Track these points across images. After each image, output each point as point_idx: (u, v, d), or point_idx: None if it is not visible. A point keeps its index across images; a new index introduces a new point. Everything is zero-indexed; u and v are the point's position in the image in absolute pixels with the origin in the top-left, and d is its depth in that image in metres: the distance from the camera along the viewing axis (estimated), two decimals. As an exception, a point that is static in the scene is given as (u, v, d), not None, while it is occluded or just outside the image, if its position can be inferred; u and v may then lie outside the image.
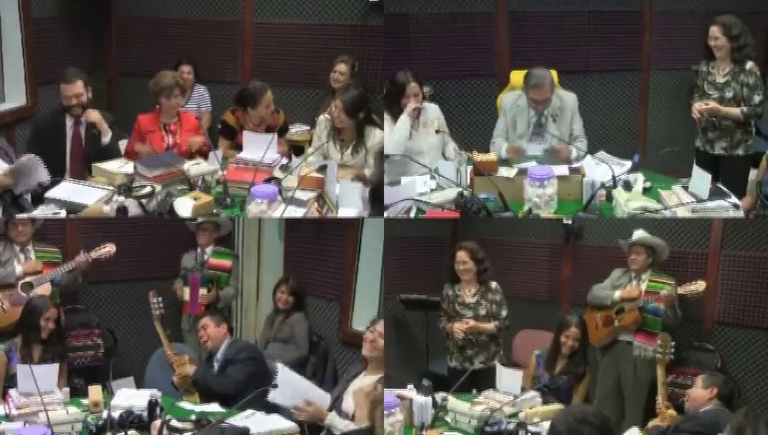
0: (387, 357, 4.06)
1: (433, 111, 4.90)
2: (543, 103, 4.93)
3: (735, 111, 4.76)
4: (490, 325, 4.75)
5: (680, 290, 4.58)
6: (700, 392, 3.92)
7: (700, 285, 4.54)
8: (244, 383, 4.36)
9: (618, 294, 4.80)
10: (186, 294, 5.58)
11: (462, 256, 4.78)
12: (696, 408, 3.91)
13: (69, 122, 4.89)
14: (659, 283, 4.76)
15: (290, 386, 3.94)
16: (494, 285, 4.82)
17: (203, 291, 5.53)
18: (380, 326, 3.99)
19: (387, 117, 4.85)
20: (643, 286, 4.80)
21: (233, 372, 4.51)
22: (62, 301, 5.10)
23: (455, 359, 4.85)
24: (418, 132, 4.82)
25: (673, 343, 4.38)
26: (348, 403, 3.94)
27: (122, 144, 5.47)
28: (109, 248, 5.06)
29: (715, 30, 4.73)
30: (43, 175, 4.27)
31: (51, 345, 4.56)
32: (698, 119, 4.86)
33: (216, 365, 4.64)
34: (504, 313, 4.80)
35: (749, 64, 4.73)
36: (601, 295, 4.89)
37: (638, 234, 4.82)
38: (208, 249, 5.69)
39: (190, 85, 6.16)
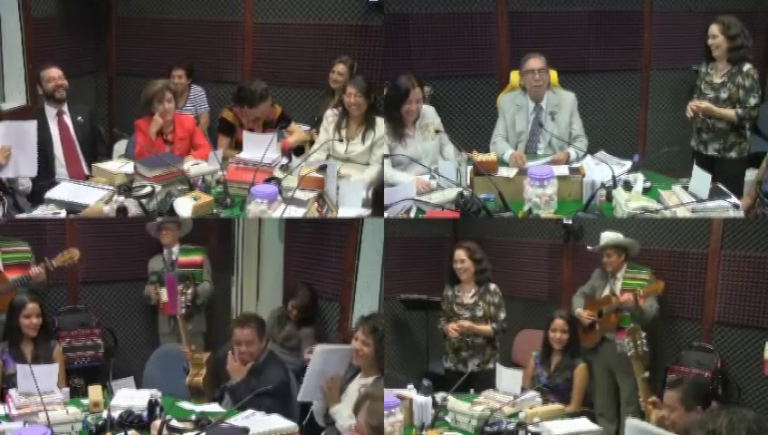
0: (387, 357, 4.06)
1: (429, 115, 4.86)
2: (541, 86, 4.96)
3: (730, 112, 4.74)
4: (486, 327, 4.73)
5: (642, 293, 4.75)
6: (686, 416, 3.41)
7: (659, 286, 4.78)
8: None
9: (577, 311, 5.00)
10: (163, 295, 5.52)
11: (460, 254, 4.77)
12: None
13: (51, 113, 4.91)
14: (634, 280, 4.89)
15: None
16: (492, 287, 4.80)
17: (179, 287, 5.34)
18: (360, 333, 3.98)
19: (386, 120, 4.83)
20: (618, 284, 4.92)
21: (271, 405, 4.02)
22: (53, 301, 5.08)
23: (449, 360, 4.85)
24: (414, 138, 4.80)
25: (644, 335, 4.17)
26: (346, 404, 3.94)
27: (122, 144, 5.50)
28: (72, 254, 5.01)
29: (713, 28, 4.73)
30: (32, 167, 4.28)
31: (40, 343, 4.55)
32: (692, 119, 4.87)
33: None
34: (503, 315, 4.78)
35: (746, 66, 4.72)
36: (573, 305, 5.08)
37: (606, 236, 4.94)
38: (175, 248, 5.64)
39: (183, 89, 6.14)
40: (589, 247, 5.10)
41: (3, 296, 4.83)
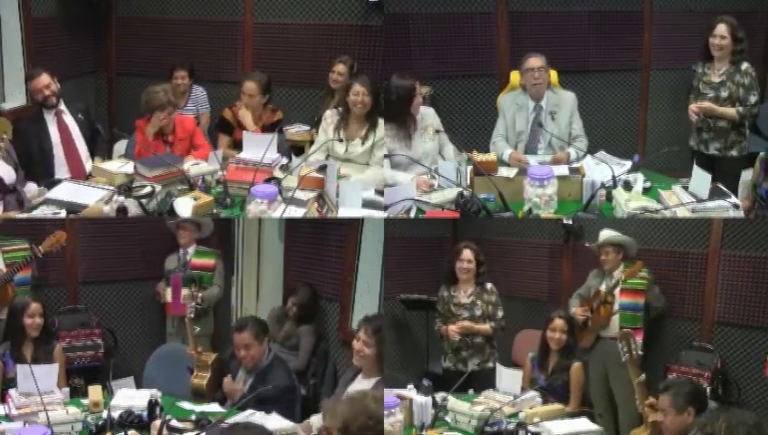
0: (387, 357, 4.05)
1: (429, 116, 4.84)
2: (541, 84, 4.95)
3: (731, 111, 4.76)
4: (486, 326, 4.75)
5: (623, 277, 4.78)
6: (677, 419, 3.39)
7: (637, 266, 4.77)
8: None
9: (572, 310, 4.97)
10: (168, 295, 5.54)
11: (468, 254, 4.80)
12: None
13: (49, 114, 4.89)
14: (635, 279, 4.86)
15: None
16: (489, 285, 4.83)
17: (185, 291, 5.36)
18: (362, 334, 3.97)
19: (390, 122, 4.81)
20: (614, 283, 4.89)
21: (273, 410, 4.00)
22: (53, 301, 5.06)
23: (449, 359, 4.85)
24: (414, 139, 4.78)
25: (637, 338, 4.19)
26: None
27: (122, 144, 5.50)
28: (58, 237, 4.85)
29: (722, 28, 4.73)
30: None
31: (41, 344, 4.55)
32: (696, 120, 4.87)
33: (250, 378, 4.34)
34: (501, 313, 4.80)
35: (744, 65, 4.75)
36: (570, 308, 5.05)
37: (604, 234, 4.92)
38: (190, 249, 5.64)
39: (185, 90, 6.14)
40: (587, 244, 5.10)
41: None
